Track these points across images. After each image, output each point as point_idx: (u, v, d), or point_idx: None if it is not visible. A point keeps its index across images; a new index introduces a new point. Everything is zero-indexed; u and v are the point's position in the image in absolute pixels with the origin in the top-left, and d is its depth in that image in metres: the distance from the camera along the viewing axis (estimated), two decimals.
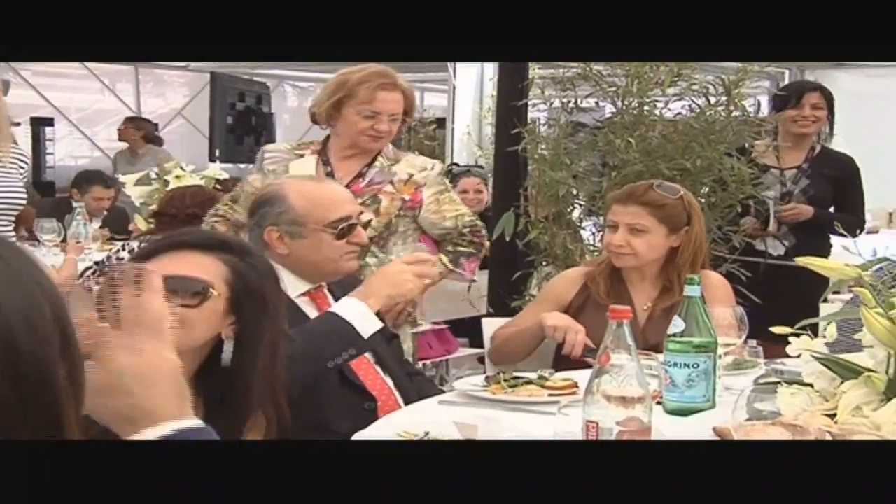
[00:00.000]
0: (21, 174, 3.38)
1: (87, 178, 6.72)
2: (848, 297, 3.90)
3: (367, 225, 2.81)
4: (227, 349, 1.90)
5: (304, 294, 2.72)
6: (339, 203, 2.72)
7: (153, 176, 5.15)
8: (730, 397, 2.45)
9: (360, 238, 2.73)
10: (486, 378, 2.61)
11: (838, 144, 10.12)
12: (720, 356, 2.48)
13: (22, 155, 3.42)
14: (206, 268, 1.90)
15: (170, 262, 1.90)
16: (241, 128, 9.03)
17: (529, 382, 2.58)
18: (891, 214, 8.42)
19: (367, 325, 2.46)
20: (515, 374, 2.65)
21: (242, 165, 9.05)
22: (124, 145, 8.63)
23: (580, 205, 3.94)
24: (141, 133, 8.39)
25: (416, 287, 2.55)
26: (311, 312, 2.70)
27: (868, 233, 7.16)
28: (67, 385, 0.83)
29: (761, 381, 2.31)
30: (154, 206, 4.55)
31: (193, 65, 11.21)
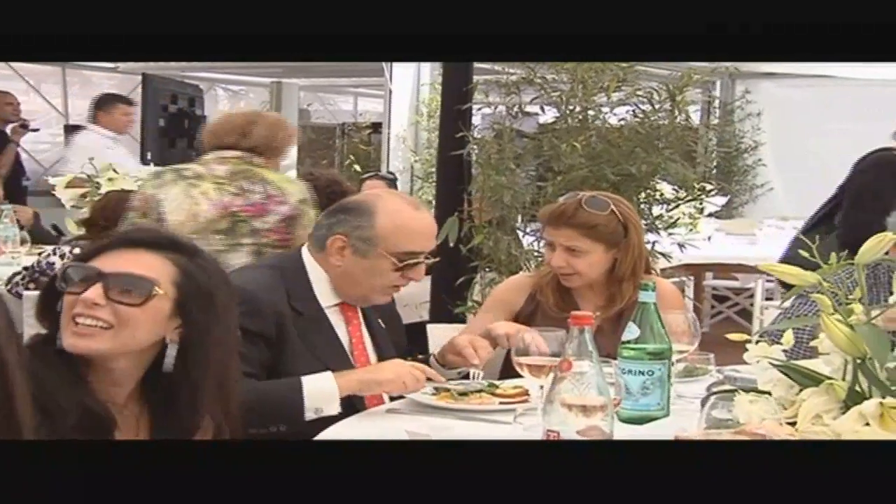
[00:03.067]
0: None
1: (108, 99, 7.38)
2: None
3: (433, 262, 2.73)
4: (170, 354, 1.83)
5: (335, 305, 2.66)
6: (420, 236, 2.64)
7: (84, 178, 5.01)
8: (683, 405, 2.44)
9: (417, 276, 2.66)
10: (435, 387, 2.56)
11: (766, 153, 10.32)
12: (673, 363, 2.45)
13: None
14: (152, 266, 1.83)
15: (115, 260, 1.84)
16: (173, 130, 8.87)
17: (479, 391, 2.54)
18: None
19: (324, 406, 2.38)
20: (464, 382, 2.61)
21: None
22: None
23: (522, 210, 3.90)
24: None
25: (394, 386, 2.45)
26: (339, 325, 2.66)
27: None
28: (19, 374, 0.82)
29: (715, 388, 2.28)
30: (85, 211, 4.43)
31: (123, 66, 10.99)
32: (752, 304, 5.84)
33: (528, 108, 4.04)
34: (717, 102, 10.06)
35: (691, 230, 5.97)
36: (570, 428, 1.80)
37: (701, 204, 6.09)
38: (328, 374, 2.42)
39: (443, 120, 4.03)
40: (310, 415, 2.37)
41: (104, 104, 7.59)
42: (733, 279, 7.83)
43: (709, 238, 6.63)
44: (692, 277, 5.97)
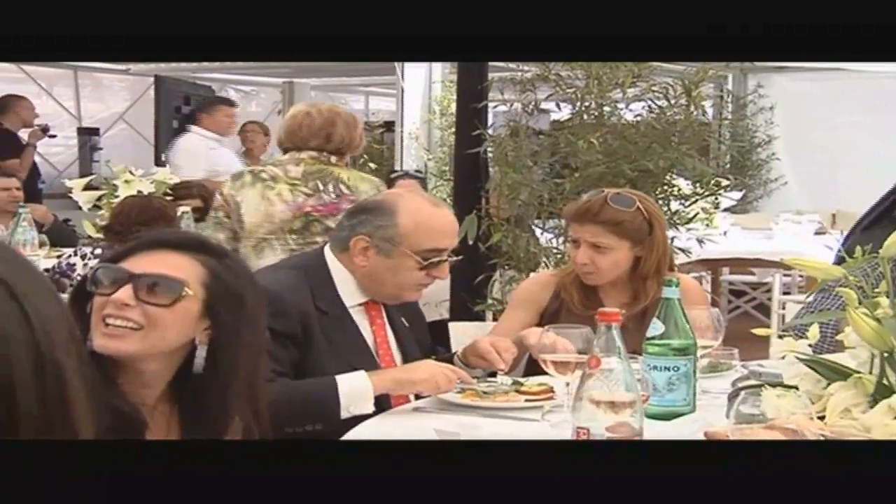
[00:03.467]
0: None
1: (211, 102, 7.44)
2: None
3: (456, 260, 2.74)
4: (200, 355, 1.84)
5: (360, 304, 2.67)
6: (444, 235, 2.65)
7: (101, 180, 5.02)
8: (709, 400, 2.44)
9: (442, 274, 2.66)
10: (461, 386, 2.56)
11: (781, 147, 10.30)
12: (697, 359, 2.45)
13: None
14: (181, 268, 1.84)
15: (144, 261, 1.85)
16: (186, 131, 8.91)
17: (504, 390, 2.54)
18: (834, 216, 8.52)
19: (359, 404, 2.39)
20: (489, 381, 2.61)
21: None
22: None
23: (540, 207, 3.90)
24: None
25: (426, 384, 2.45)
26: (364, 324, 2.67)
27: (816, 233, 7.26)
28: (77, 379, 0.83)
29: (740, 383, 2.28)
30: (107, 212, 4.44)
31: (134, 68, 11.02)
32: (769, 299, 5.81)
33: (543, 105, 4.03)
34: (729, 97, 10.02)
35: (707, 225, 5.97)
36: (599, 424, 1.80)
37: (717, 199, 6.07)
38: (362, 373, 2.43)
39: (458, 118, 4.03)
40: (345, 414, 2.38)
41: (206, 107, 7.58)
42: (750, 274, 7.81)
43: (724, 233, 6.62)
44: (709, 273, 5.95)
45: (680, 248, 4.02)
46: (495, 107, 4.08)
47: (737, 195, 7.98)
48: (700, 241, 4.02)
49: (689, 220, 4.15)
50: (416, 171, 6.84)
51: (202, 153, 6.98)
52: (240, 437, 1.97)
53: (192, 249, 1.87)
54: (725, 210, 7.03)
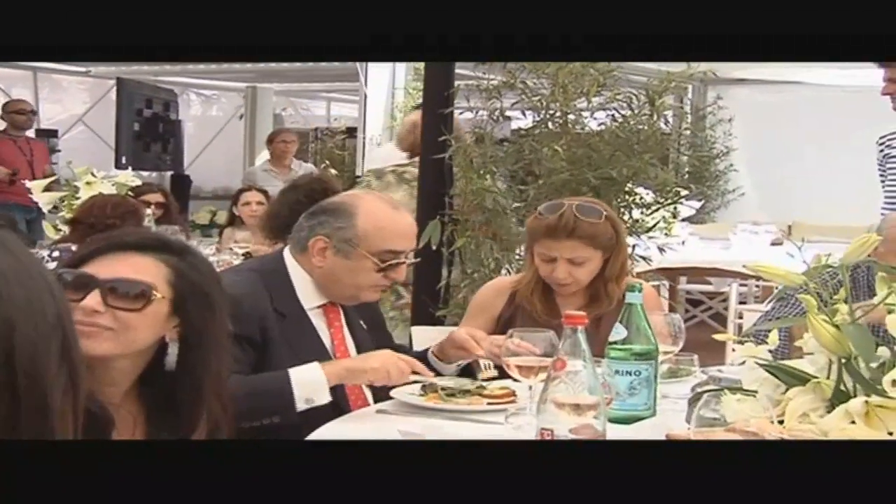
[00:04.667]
0: None
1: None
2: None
3: (413, 263, 2.76)
4: (172, 352, 1.84)
5: (318, 307, 2.67)
6: (401, 237, 2.66)
7: (62, 182, 4.98)
8: (669, 405, 2.47)
9: (398, 276, 2.67)
10: (423, 387, 2.57)
11: (739, 158, 10.40)
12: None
13: None
14: (146, 269, 1.83)
15: (108, 265, 1.83)
16: (148, 134, 8.87)
17: (467, 391, 2.56)
18: (790, 227, 8.64)
19: (314, 394, 2.39)
20: (454, 379, 2.63)
21: (145, 173, 8.86)
22: None
23: (504, 214, 3.92)
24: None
25: (379, 374, 2.45)
26: (322, 326, 2.68)
27: (773, 244, 7.35)
28: (65, 384, 0.82)
29: (700, 388, 2.31)
30: (68, 213, 4.40)
31: (94, 70, 10.93)
32: (725, 308, 5.87)
33: (508, 113, 4.06)
34: (688, 107, 10.12)
35: (667, 234, 6.01)
36: (563, 426, 1.82)
37: (676, 208, 6.12)
38: (315, 363, 2.44)
39: (424, 124, 4.04)
40: (301, 405, 2.38)
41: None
42: (707, 283, 7.88)
43: (683, 242, 6.66)
44: (667, 281, 6.01)
45: (641, 257, 4.06)
46: (461, 113, 4.10)
47: (696, 204, 8.05)
48: (661, 249, 4.06)
49: (650, 229, 4.19)
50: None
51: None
52: (205, 435, 1.97)
53: (155, 250, 1.86)
54: (684, 220, 7.09)
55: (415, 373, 2.51)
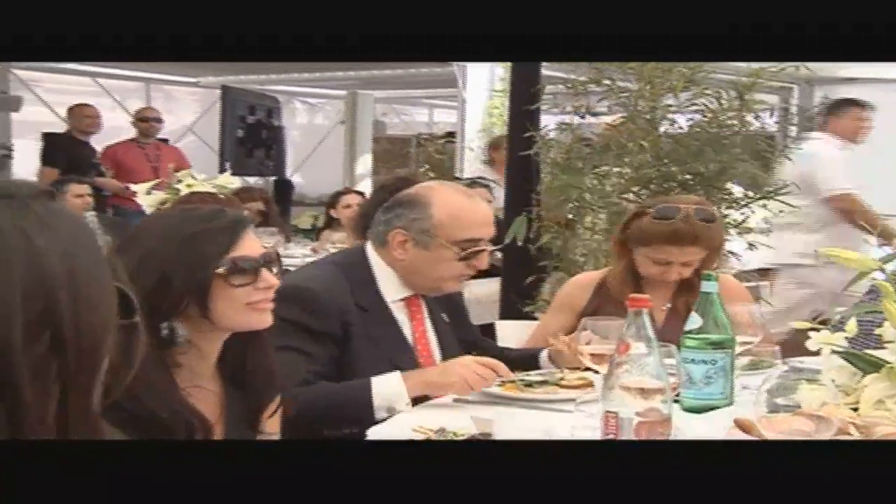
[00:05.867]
0: None
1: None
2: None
3: (495, 250, 2.77)
4: None
5: (401, 300, 2.69)
6: (478, 224, 2.66)
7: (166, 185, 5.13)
8: (748, 396, 2.43)
9: (481, 264, 2.67)
10: (502, 379, 2.58)
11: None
12: (737, 355, 2.45)
13: None
14: (260, 242, 1.98)
15: (250, 244, 1.95)
16: (251, 141, 9.05)
17: (544, 382, 2.56)
18: None
19: (393, 405, 2.40)
20: (530, 374, 2.64)
21: (251, 179, 9.06)
22: None
23: (590, 210, 3.91)
24: None
25: (461, 388, 2.43)
26: (403, 319, 2.69)
27: (880, 245, 7.12)
28: (48, 377, 0.83)
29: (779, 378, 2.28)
30: None
31: (204, 80, 11.23)
32: (837, 318, 5.72)
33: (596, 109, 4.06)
34: (794, 109, 9.90)
35: (769, 235, 5.91)
36: (629, 410, 1.82)
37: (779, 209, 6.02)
38: (396, 375, 2.44)
39: (511, 121, 4.06)
40: (381, 414, 2.39)
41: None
42: None
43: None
44: (767, 283, 5.90)
45: (731, 252, 4.01)
46: (547, 110, 4.10)
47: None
48: (751, 245, 4.00)
49: (740, 224, 4.14)
50: (480, 178, 6.89)
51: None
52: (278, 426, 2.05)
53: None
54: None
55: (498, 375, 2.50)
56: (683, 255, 2.87)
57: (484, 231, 2.66)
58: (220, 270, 1.88)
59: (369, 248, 2.72)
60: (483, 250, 2.64)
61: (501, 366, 2.51)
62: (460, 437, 2.08)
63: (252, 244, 1.94)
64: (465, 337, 2.88)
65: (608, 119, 4.09)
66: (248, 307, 1.91)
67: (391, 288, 2.68)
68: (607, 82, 3.89)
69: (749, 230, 4.26)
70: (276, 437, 2.11)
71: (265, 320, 1.95)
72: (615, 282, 2.99)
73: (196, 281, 1.85)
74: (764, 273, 5.70)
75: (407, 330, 2.70)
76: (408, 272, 2.66)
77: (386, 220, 2.68)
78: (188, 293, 1.85)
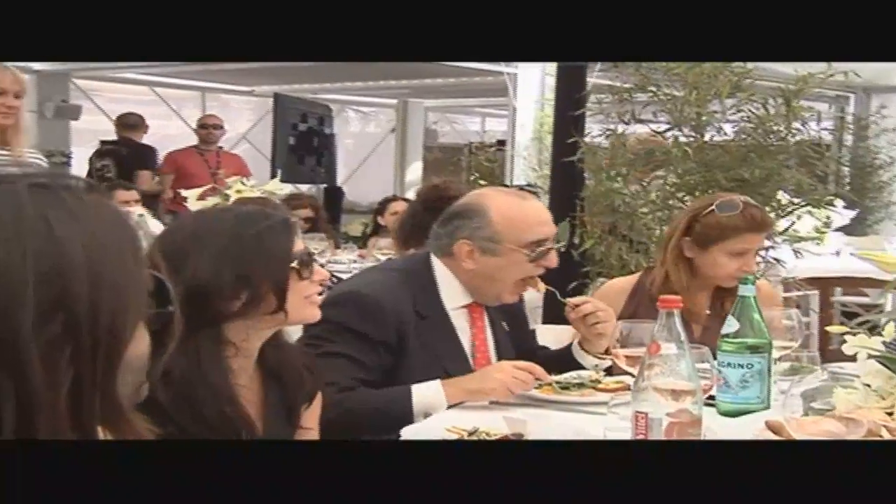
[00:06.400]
0: None
1: None
2: None
3: (561, 247, 2.76)
4: None
5: (462, 307, 2.68)
6: (539, 224, 2.65)
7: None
8: (788, 401, 2.41)
9: (551, 262, 2.66)
10: (539, 382, 2.59)
11: None
12: (776, 360, 2.43)
13: (40, 156, 3.54)
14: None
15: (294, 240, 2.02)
16: (302, 148, 9.13)
17: (581, 385, 2.56)
18: None
19: (432, 412, 2.39)
20: (567, 377, 2.63)
21: (304, 186, 9.14)
22: None
23: (633, 215, 3.90)
24: None
25: (500, 392, 2.44)
26: (463, 326, 2.69)
27: None
28: (60, 359, 0.85)
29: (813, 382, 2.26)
30: None
31: (258, 89, 11.36)
32: (883, 322, 5.65)
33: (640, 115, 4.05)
34: (850, 118, 9.81)
35: (818, 244, 5.86)
36: (659, 410, 1.82)
37: (828, 218, 5.97)
38: (437, 383, 2.44)
39: (556, 126, 4.06)
40: (419, 419, 2.39)
41: None
42: (863, 295, 7.59)
43: (837, 252, 6.47)
44: (817, 292, 5.84)
45: (776, 259, 3.98)
46: (592, 116, 4.10)
47: (849, 213, 7.78)
48: (797, 253, 3.97)
49: (789, 232, 4.11)
50: (529, 184, 6.91)
51: None
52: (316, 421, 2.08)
53: None
54: (838, 230, 6.88)
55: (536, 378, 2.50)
56: (758, 241, 2.93)
57: (546, 230, 2.65)
58: (294, 264, 1.94)
59: (433, 257, 2.70)
60: (551, 249, 2.63)
61: (538, 368, 2.50)
62: (493, 438, 2.10)
63: (299, 242, 2.00)
64: (523, 346, 2.85)
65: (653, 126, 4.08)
66: (306, 300, 1.97)
67: (453, 295, 2.66)
68: (653, 89, 3.88)
69: (800, 238, 4.24)
70: (315, 431, 2.14)
71: (317, 314, 2.04)
72: (663, 287, 2.96)
73: (276, 274, 1.91)
74: (813, 282, 5.64)
75: (466, 337, 2.69)
76: (478, 280, 2.63)
77: (448, 233, 2.65)
78: (269, 287, 1.91)
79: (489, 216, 2.61)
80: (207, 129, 8.07)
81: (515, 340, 2.82)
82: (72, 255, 0.87)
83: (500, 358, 2.72)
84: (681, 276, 2.96)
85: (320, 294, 2.05)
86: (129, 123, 8.07)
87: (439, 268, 2.67)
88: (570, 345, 2.79)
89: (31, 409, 0.82)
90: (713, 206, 2.92)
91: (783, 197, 3.99)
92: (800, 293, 5.46)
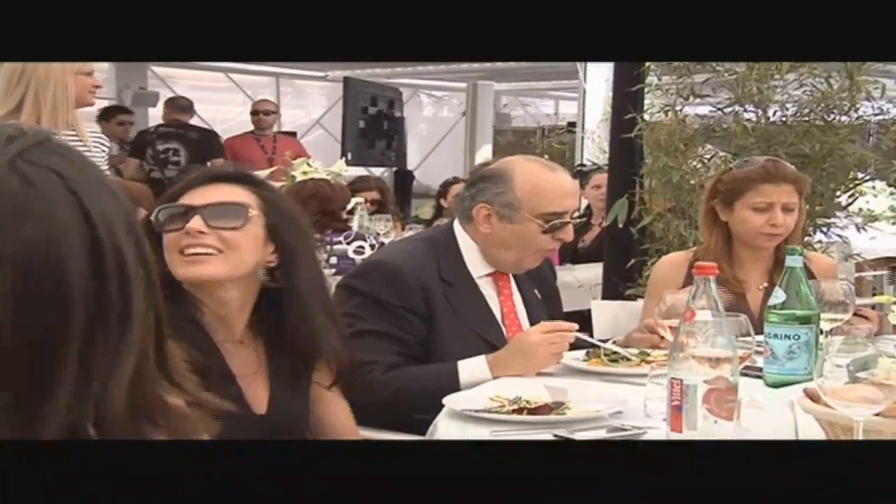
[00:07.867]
0: (104, 156, 3.55)
1: None
2: None
3: (578, 224, 2.76)
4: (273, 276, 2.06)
5: (487, 275, 2.71)
6: (562, 196, 2.65)
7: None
8: (841, 374, 2.39)
9: (566, 236, 2.68)
10: (587, 352, 2.60)
11: None
12: (826, 333, 2.41)
13: (101, 137, 3.60)
14: (238, 194, 2.01)
15: (202, 194, 2.00)
16: (372, 131, 9.19)
17: (629, 358, 2.57)
18: None
19: (476, 383, 2.40)
20: (617, 349, 2.64)
21: (376, 170, 9.21)
22: None
23: (692, 192, 3.87)
24: None
25: (546, 363, 2.45)
26: (491, 294, 2.71)
27: None
28: (138, 274, 0.86)
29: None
30: None
31: (332, 73, 11.45)
32: None
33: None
34: None
35: (894, 223, 5.74)
36: (694, 378, 1.82)
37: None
38: (483, 364, 2.46)
39: (615, 103, 4.05)
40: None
41: None
42: None
43: None
44: (888, 272, 5.72)
45: (839, 235, 3.92)
46: (650, 91, 4.07)
47: None
48: (859, 228, 3.91)
49: (872, 217, 4.05)
50: (592, 162, 6.89)
51: None
52: (329, 380, 2.11)
53: (243, 182, 2.04)
54: None
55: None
56: (781, 195, 2.88)
57: (568, 203, 2.65)
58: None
59: (457, 225, 2.75)
60: (568, 223, 2.64)
61: (563, 323, 2.53)
62: (535, 405, 2.12)
63: (204, 194, 2.00)
64: (557, 317, 2.87)
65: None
66: (179, 255, 1.96)
67: (476, 263, 2.69)
68: (712, 64, 3.84)
69: (874, 217, 4.17)
70: (332, 392, 2.19)
71: (192, 272, 1.97)
72: (708, 256, 2.96)
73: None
74: (883, 262, 5.54)
75: (495, 304, 2.71)
76: (493, 246, 2.66)
77: (470, 196, 2.69)
78: None
79: (513, 182, 2.63)
80: (258, 115, 8.14)
81: (549, 312, 2.83)
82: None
83: (531, 324, 2.72)
84: (717, 241, 2.95)
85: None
86: (183, 106, 8.04)
87: (461, 234, 2.71)
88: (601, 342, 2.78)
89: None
90: (732, 165, 2.97)
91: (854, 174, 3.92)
92: (874, 272, 5.38)
